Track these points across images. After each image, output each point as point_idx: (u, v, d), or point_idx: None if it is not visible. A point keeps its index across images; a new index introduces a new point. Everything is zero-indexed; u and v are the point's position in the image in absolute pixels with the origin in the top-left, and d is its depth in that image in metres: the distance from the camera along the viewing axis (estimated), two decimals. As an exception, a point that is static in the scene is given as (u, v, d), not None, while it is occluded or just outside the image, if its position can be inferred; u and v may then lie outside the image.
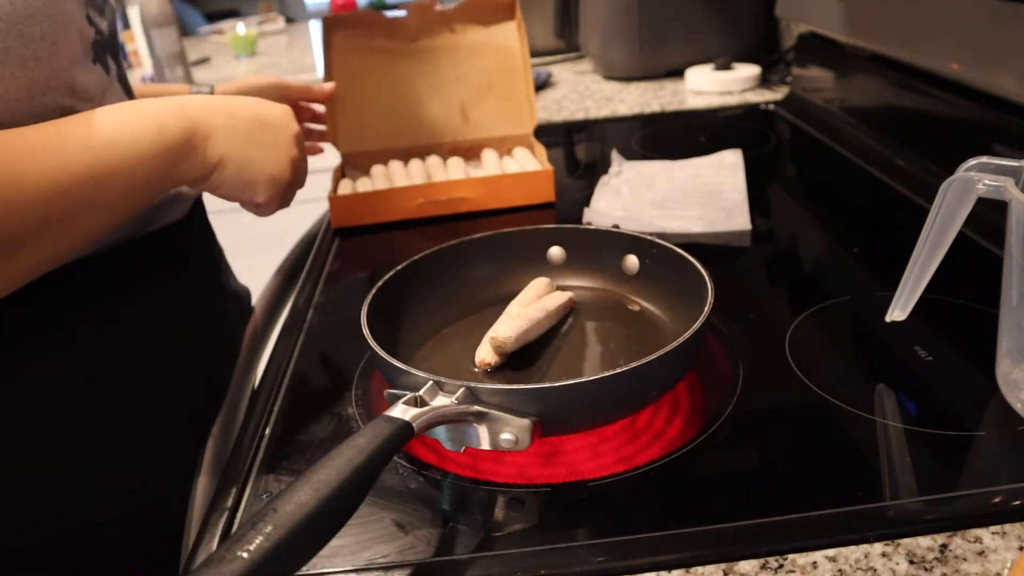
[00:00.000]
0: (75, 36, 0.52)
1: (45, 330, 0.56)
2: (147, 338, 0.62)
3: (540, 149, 0.95)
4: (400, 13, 0.98)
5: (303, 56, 2.46)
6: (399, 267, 0.61)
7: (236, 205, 0.60)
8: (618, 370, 0.45)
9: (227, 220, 0.82)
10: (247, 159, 0.57)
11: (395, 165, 0.96)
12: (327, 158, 0.99)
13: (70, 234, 0.48)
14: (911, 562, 0.40)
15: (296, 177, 0.62)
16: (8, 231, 0.43)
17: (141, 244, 0.62)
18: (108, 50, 0.58)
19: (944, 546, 0.40)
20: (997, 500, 0.43)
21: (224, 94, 0.78)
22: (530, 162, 0.95)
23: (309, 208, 0.93)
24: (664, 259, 0.61)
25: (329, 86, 0.92)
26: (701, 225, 0.81)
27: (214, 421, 0.65)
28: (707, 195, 0.88)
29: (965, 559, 0.40)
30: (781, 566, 0.40)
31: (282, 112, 0.61)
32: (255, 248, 1.10)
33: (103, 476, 0.59)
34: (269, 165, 0.58)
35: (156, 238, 0.63)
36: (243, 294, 0.83)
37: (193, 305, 0.69)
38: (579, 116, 1.27)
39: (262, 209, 0.61)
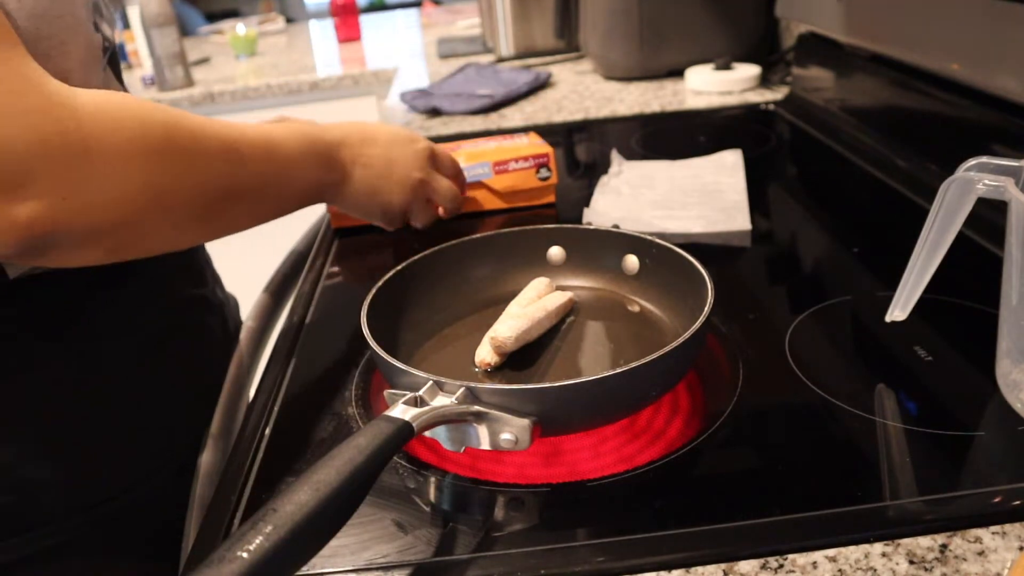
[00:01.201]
0: (83, 40, 0.53)
1: (36, 335, 0.56)
2: (136, 344, 0.62)
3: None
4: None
5: (303, 56, 2.46)
6: (399, 267, 0.61)
7: None
8: (618, 370, 0.45)
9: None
10: (371, 197, 0.72)
11: None
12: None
13: (248, 215, 0.58)
14: (911, 562, 0.40)
15: (412, 205, 0.76)
16: (227, 193, 0.54)
17: None
18: (111, 57, 0.60)
19: (944, 546, 0.40)
20: (997, 500, 0.43)
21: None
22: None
23: (308, 208, 0.93)
24: (664, 259, 0.61)
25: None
26: (701, 225, 0.81)
27: (210, 423, 0.65)
28: (707, 195, 0.88)
29: (965, 559, 0.40)
30: (781, 566, 0.40)
31: (407, 138, 0.74)
32: (253, 249, 1.10)
33: (102, 478, 0.59)
34: (386, 199, 0.73)
35: None
36: (230, 304, 0.82)
37: (178, 313, 0.68)
38: (579, 116, 1.27)
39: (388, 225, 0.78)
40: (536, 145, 0.89)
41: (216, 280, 0.80)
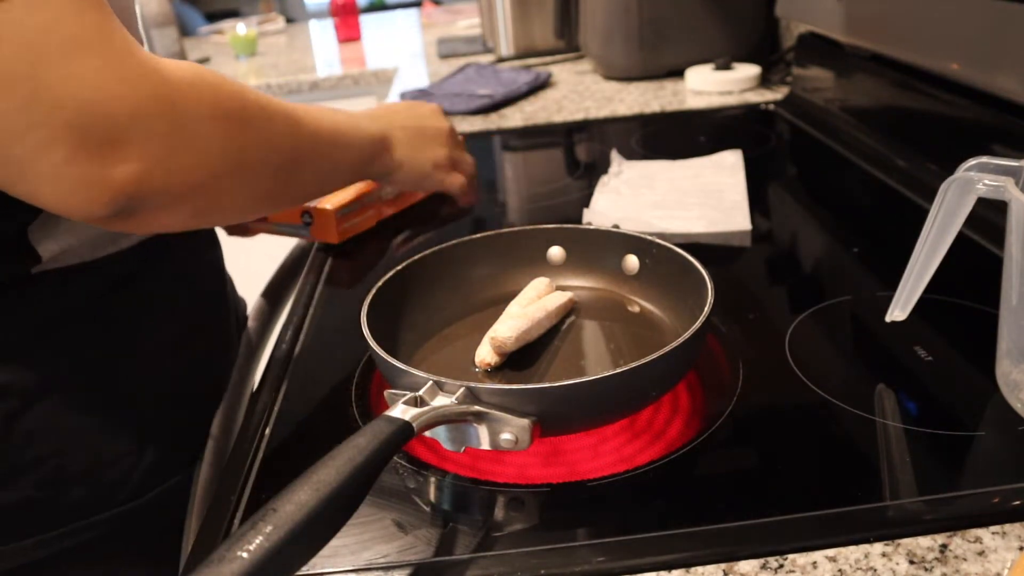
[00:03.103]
0: (135, 34, 0.55)
1: (51, 330, 0.56)
2: (154, 342, 0.62)
3: None
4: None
5: (303, 56, 2.46)
6: (399, 267, 0.61)
7: None
8: (618, 370, 0.45)
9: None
10: (415, 160, 0.77)
11: None
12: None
13: (311, 182, 0.63)
14: (911, 562, 0.40)
15: (453, 162, 0.83)
16: (292, 156, 0.57)
17: (148, 248, 0.62)
18: None
19: (944, 546, 0.40)
20: (997, 500, 0.43)
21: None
22: None
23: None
24: (664, 259, 0.61)
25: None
26: (701, 225, 0.81)
27: (212, 422, 0.65)
28: (707, 195, 0.88)
29: (965, 559, 0.40)
30: (781, 566, 0.40)
31: (432, 112, 0.82)
32: (254, 249, 1.10)
33: (103, 477, 0.59)
34: (431, 160, 0.79)
35: (166, 240, 0.64)
36: (241, 304, 0.83)
37: (200, 311, 0.69)
38: (579, 116, 1.27)
39: (454, 192, 0.84)
40: None
41: (230, 280, 0.80)
